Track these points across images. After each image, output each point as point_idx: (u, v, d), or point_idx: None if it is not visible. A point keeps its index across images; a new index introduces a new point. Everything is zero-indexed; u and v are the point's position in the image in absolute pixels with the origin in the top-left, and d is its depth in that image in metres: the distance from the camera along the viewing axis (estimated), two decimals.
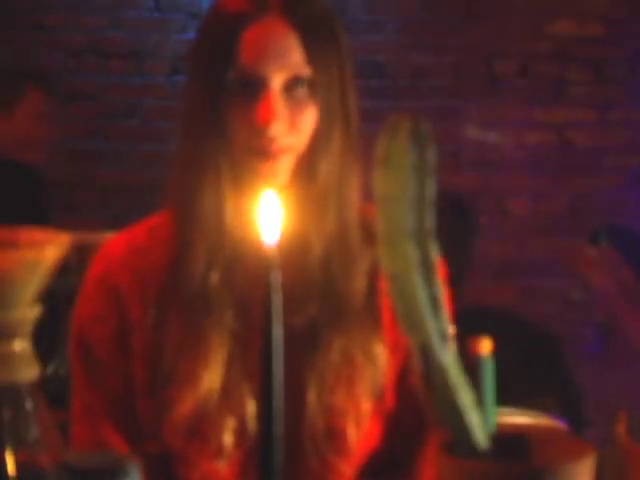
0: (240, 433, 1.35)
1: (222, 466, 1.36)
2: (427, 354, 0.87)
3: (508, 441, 0.93)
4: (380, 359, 1.39)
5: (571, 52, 4.43)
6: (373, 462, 1.42)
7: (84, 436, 1.39)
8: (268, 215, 0.98)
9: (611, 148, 4.45)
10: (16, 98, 3.43)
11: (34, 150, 3.49)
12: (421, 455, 1.44)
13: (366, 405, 1.38)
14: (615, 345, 3.36)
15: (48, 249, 0.86)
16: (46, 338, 1.24)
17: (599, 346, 3.40)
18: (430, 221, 0.86)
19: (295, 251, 1.33)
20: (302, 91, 1.34)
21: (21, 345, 0.87)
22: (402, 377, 1.42)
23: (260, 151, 1.33)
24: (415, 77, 4.42)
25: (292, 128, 1.33)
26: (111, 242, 1.44)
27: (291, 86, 1.33)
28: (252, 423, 1.34)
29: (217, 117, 1.34)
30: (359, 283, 1.39)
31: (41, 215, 3.38)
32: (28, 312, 0.87)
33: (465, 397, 0.89)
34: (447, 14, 4.41)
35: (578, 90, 4.45)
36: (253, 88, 1.32)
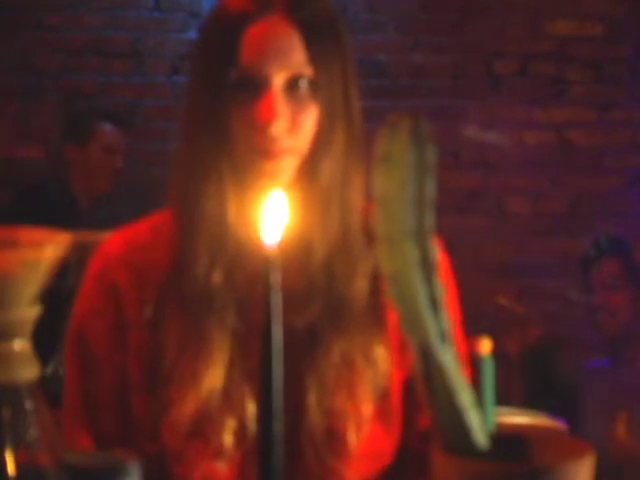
0: (240, 434, 1.35)
1: (222, 466, 1.36)
2: (427, 354, 0.87)
3: (508, 441, 0.93)
4: (381, 362, 1.39)
5: (571, 52, 4.43)
6: (378, 464, 1.42)
7: (65, 434, 1.39)
8: (272, 215, 0.98)
9: (611, 148, 4.45)
10: (89, 133, 3.89)
11: (101, 179, 3.93)
12: (428, 457, 1.43)
13: (367, 408, 1.38)
14: (623, 358, 3.36)
15: (48, 249, 0.86)
16: (46, 338, 1.24)
17: (609, 362, 3.40)
18: (430, 221, 0.86)
19: (297, 252, 1.33)
20: (304, 91, 1.33)
21: (21, 345, 0.87)
22: (412, 377, 1.41)
23: (262, 150, 1.33)
24: (415, 77, 4.42)
25: (293, 127, 1.33)
26: (112, 239, 1.44)
27: (293, 85, 1.33)
28: (252, 424, 1.34)
29: (219, 116, 1.34)
30: (361, 285, 1.39)
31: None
32: (28, 312, 0.87)
33: (465, 397, 0.89)
34: (447, 14, 4.42)
35: (578, 90, 4.45)
36: (255, 87, 1.32)
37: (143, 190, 3.81)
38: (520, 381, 3.27)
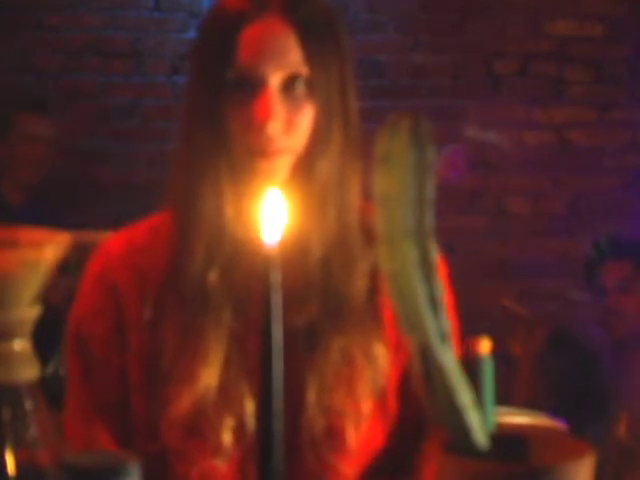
0: (239, 431, 1.35)
1: (221, 464, 1.36)
2: (427, 354, 0.87)
3: (508, 441, 0.93)
4: (380, 360, 1.39)
5: (571, 52, 4.43)
6: (376, 462, 1.42)
7: (77, 433, 1.40)
8: (270, 214, 0.98)
9: (611, 148, 4.45)
10: (8, 125, 3.78)
11: (27, 170, 3.80)
12: (422, 454, 1.44)
13: (366, 405, 1.38)
14: (628, 359, 3.36)
15: (48, 249, 0.86)
16: (46, 338, 1.24)
17: (613, 361, 3.40)
18: (430, 221, 0.86)
19: (295, 251, 1.33)
20: (300, 90, 1.34)
21: (21, 345, 0.87)
22: (406, 377, 1.42)
23: (258, 150, 1.33)
24: (415, 77, 4.42)
25: (289, 127, 1.33)
26: (111, 240, 1.44)
27: (289, 85, 1.33)
28: (251, 422, 1.34)
29: (217, 116, 1.34)
30: (359, 283, 1.39)
31: None
32: (28, 312, 0.87)
33: (464, 397, 0.89)
34: (447, 14, 4.41)
35: (578, 90, 4.45)
36: (251, 87, 1.33)
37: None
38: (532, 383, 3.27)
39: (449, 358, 0.88)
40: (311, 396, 1.36)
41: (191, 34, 4.32)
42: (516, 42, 4.41)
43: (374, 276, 1.38)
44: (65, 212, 3.64)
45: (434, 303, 0.86)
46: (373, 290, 1.40)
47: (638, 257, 3.44)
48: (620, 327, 3.37)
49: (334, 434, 1.37)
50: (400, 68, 4.42)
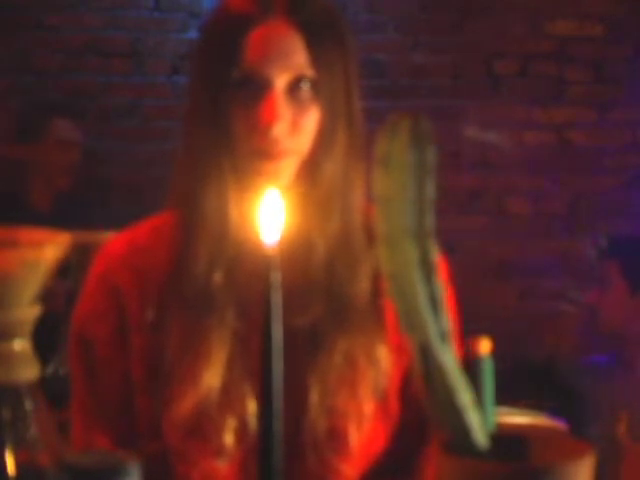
0: (240, 432, 1.35)
1: (222, 465, 1.36)
2: (427, 354, 0.87)
3: (508, 441, 0.93)
4: (383, 361, 1.39)
5: (571, 52, 4.43)
6: (377, 463, 1.42)
7: (78, 436, 1.40)
8: (270, 214, 0.98)
9: (611, 148, 4.45)
10: (43, 128, 3.78)
11: (61, 176, 3.82)
12: (424, 456, 1.44)
13: (368, 407, 1.38)
14: (624, 355, 3.35)
15: (48, 249, 0.86)
16: (46, 338, 1.24)
17: (609, 358, 3.39)
18: (430, 221, 0.86)
19: (299, 252, 1.33)
20: (305, 92, 1.34)
21: (21, 345, 0.87)
22: (407, 379, 1.42)
23: (262, 151, 1.33)
24: (415, 77, 4.42)
25: (294, 129, 1.33)
26: (113, 241, 1.44)
27: (294, 87, 1.33)
28: (253, 422, 1.34)
29: (220, 117, 1.34)
30: (363, 285, 1.39)
31: None
32: (28, 312, 0.87)
33: (464, 397, 0.89)
34: (447, 14, 4.42)
35: (578, 90, 4.45)
36: (256, 88, 1.33)
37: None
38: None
39: (449, 358, 0.88)
40: (313, 397, 1.35)
41: (191, 34, 4.33)
42: (516, 42, 4.42)
43: (377, 277, 1.38)
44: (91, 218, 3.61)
45: (434, 303, 0.86)
46: (376, 292, 1.40)
47: (624, 257, 3.42)
48: (605, 324, 3.36)
49: (336, 435, 1.37)
50: (400, 68, 4.42)
